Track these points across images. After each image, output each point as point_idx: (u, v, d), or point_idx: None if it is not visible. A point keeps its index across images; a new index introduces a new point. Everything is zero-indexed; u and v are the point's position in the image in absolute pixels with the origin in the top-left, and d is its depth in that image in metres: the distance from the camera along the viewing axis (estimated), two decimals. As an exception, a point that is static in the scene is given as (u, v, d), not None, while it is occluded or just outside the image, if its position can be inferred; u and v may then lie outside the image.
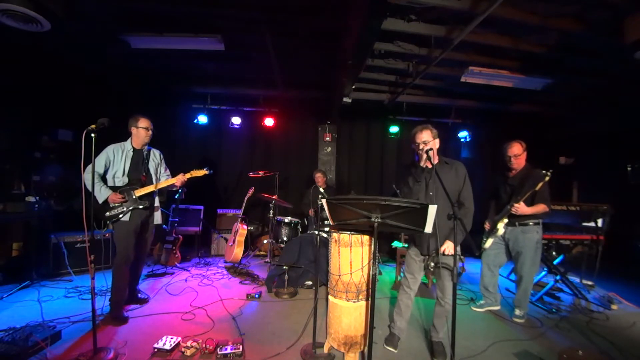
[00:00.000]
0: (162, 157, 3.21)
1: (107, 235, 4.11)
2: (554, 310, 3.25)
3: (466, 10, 2.78)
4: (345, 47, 3.35)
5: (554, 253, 3.69)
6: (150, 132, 2.95)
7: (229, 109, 5.79)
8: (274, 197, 4.58)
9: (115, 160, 2.87)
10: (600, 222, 3.56)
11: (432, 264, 2.27)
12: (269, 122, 5.76)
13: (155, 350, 2.23)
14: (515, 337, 2.69)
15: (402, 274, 2.61)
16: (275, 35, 3.51)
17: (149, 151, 3.07)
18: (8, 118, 4.02)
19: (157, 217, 3.11)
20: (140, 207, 2.87)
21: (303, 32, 3.61)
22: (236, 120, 5.73)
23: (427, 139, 2.31)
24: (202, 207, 5.31)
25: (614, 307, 3.37)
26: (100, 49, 4.06)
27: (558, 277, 3.59)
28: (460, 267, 1.91)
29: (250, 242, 5.48)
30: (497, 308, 3.25)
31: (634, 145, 4.96)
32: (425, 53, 3.71)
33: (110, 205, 2.79)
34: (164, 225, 4.61)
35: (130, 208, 2.83)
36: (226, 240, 4.92)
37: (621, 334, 2.82)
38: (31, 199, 3.86)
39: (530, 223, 2.96)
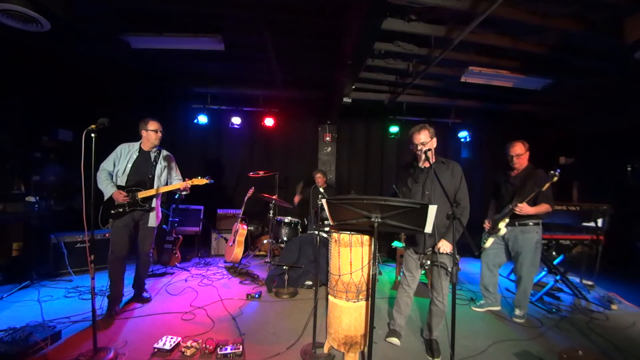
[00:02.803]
0: (172, 159, 3.20)
1: (107, 235, 4.10)
2: (554, 310, 3.25)
3: (466, 11, 2.77)
4: (345, 47, 3.35)
5: (554, 253, 3.70)
6: (159, 134, 3.02)
7: (229, 109, 5.79)
8: (274, 197, 4.58)
9: (121, 158, 2.95)
10: (600, 222, 3.57)
11: (427, 262, 2.33)
12: (269, 122, 5.76)
13: (155, 350, 2.23)
14: (515, 337, 2.69)
15: (402, 273, 2.61)
16: (275, 35, 3.51)
17: (158, 153, 3.10)
18: (8, 118, 4.02)
19: (152, 220, 3.06)
20: (139, 208, 2.93)
21: (303, 32, 3.60)
22: (236, 120, 5.72)
23: (425, 140, 2.34)
24: (202, 207, 5.31)
25: (614, 307, 3.37)
26: (100, 49, 4.05)
27: (558, 277, 3.58)
28: (455, 268, 1.92)
29: (250, 242, 5.48)
30: (498, 308, 3.25)
31: (634, 145, 4.96)
32: (425, 53, 3.71)
33: (115, 204, 2.86)
34: (164, 226, 4.62)
35: (131, 208, 2.90)
36: (226, 240, 4.92)
37: (621, 334, 2.82)
38: (31, 199, 3.86)
39: (530, 223, 2.95)
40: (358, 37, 2.92)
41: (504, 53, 3.82)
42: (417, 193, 2.40)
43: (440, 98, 5.42)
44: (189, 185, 3.03)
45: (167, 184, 3.11)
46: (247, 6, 3.07)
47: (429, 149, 2.28)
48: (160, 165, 3.08)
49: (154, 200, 3.06)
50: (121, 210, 2.88)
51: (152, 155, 3.05)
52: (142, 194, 2.91)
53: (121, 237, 2.89)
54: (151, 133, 2.97)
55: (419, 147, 2.33)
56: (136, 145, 3.03)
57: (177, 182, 3.11)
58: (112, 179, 2.93)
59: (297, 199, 4.99)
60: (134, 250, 3.06)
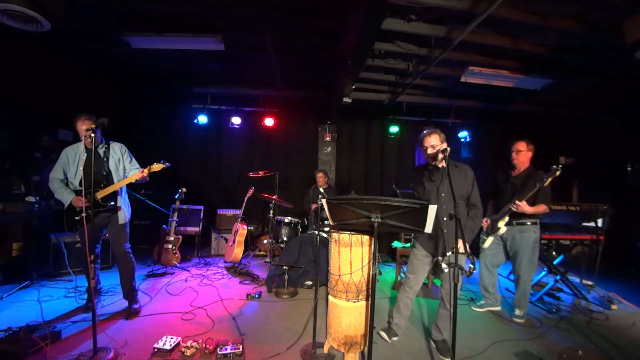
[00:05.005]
0: (123, 150, 3.01)
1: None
2: (554, 310, 3.25)
3: (466, 11, 2.77)
4: (345, 47, 3.35)
5: (554, 253, 3.69)
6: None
7: (229, 109, 5.79)
8: (274, 197, 4.58)
9: (69, 163, 2.81)
10: (600, 222, 3.56)
11: (445, 265, 2.22)
12: (269, 122, 5.76)
13: (155, 350, 2.23)
14: (515, 337, 2.69)
15: (402, 274, 2.61)
16: (275, 35, 3.51)
17: (107, 147, 2.92)
18: (8, 118, 4.02)
19: (121, 217, 2.92)
20: (102, 209, 2.81)
21: (303, 32, 3.60)
22: (236, 120, 5.73)
23: (435, 143, 2.33)
24: (202, 207, 5.30)
25: (614, 307, 3.37)
26: (100, 49, 4.05)
27: (558, 277, 3.58)
28: (471, 267, 1.87)
29: (250, 242, 5.48)
30: (498, 309, 3.25)
31: (634, 145, 4.96)
32: (425, 53, 3.71)
33: (77, 210, 2.77)
34: (164, 226, 4.61)
35: (95, 210, 2.77)
36: (226, 240, 4.92)
37: (621, 334, 2.82)
38: (31, 199, 3.85)
39: (528, 223, 2.96)
40: (358, 37, 2.92)
41: (504, 53, 3.82)
42: (431, 192, 2.38)
43: (440, 98, 5.42)
44: (146, 174, 2.84)
45: (127, 176, 2.95)
46: (247, 6, 3.07)
47: (446, 149, 2.21)
48: (113, 158, 2.91)
49: (118, 198, 2.90)
50: (85, 215, 2.65)
51: (101, 151, 2.88)
52: (100, 194, 2.77)
53: (91, 243, 2.79)
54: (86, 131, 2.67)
55: (429, 150, 2.33)
56: (80, 145, 2.84)
57: (135, 172, 2.89)
58: (66, 186, 2.82)
59: (313, 206, 4.88)
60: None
